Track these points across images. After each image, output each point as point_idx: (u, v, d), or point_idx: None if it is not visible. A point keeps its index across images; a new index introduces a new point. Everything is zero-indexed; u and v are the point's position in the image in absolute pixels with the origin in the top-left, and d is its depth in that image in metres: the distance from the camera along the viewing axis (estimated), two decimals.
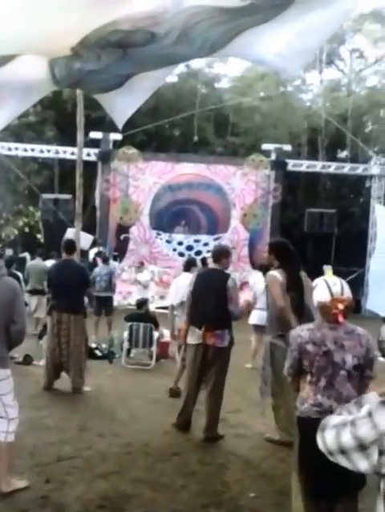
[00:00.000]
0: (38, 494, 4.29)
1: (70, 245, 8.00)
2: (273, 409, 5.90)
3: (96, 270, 12.57)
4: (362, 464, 1.44)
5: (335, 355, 3.39)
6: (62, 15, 3.41)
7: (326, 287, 3.43)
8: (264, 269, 11.89)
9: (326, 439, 1.56)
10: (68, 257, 7.84)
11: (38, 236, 20.62)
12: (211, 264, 6.28)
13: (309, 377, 3.46)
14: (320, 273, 3.65)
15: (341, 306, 3.37)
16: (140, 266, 13.21)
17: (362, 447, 1.42)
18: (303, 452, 3.42)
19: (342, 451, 1.49)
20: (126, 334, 9.65)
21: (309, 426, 3.38)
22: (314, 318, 5.41)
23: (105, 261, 12.94)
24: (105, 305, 11.84)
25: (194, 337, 5.94)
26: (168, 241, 19.73)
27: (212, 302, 5.83)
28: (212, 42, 3.64)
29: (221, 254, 6.13)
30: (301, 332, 3.53)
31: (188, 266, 8.29)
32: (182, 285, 7.48)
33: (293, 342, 3.53)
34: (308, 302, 5.26)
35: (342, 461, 1.51)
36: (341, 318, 3.39)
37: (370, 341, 3.52)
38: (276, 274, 5.60)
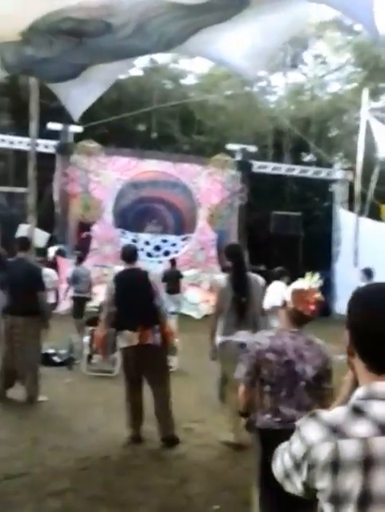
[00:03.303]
0: None
1: (25, 243, 7.84)
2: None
3: (77, 269, 12.46)
4: (298, 483, 1.46)
5: (296, 365, 3.42)
6: None
7: (306, 281, 3.50)
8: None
9: (277, 467, 1.56)
10: (22, 255, 7.65)
11: None
12: (124, 265, 6.45)
13: (268, 387, 3.47)
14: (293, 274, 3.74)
15: (316, 296, 3.43)
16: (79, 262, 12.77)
17: (297, 465, 1.44)
18: (265, 463, 3.42)
19: (287, 475, 1.50)
20: (86, 339, 9.53)
21: (271, 438, 3.39)
22: (256, 322, 5.65)
23: (80, 261, 12.84)
24: (85, 306, 11.89)
25: (124, 340, 5.98)
26: (134, 241, 19.60)
27: (142, 300, 6.01)
28: (169, 37, 3.69)
29: (135, 254, 6.47)
30: (260, 339, 3.54)
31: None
32: None
33: (252, 349, 3.53)
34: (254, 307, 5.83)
35: (289, 487, 1.52)
36: (313, 307, 3.43)
37: (329, 352, 3.58)
38: (220, 278, 6.20)
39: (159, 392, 6.03)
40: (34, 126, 11.14)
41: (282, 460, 1.52)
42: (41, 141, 16.87)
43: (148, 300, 6.05)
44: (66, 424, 6.50)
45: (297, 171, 21.80)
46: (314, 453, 1.38)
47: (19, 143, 18.59)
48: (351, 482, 1.32)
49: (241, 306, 5.78)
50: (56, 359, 9.82)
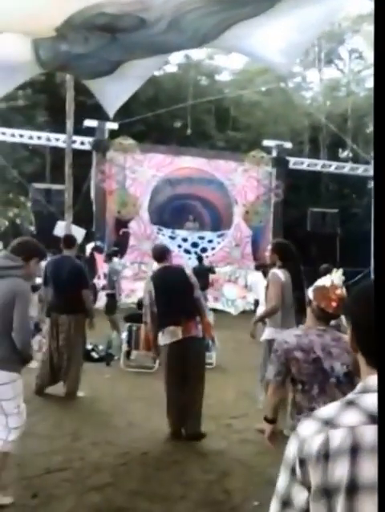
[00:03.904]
0: (24, 511, 4.21)
1: (70, 240, 7.90)
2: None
3: (110, 266, 12.62)
4: (298, 494, 1.41)
5: (324, 362, 3.41)
6: None
7: (329, 277, 3.50)
8: (262, 269, 12.05)
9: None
10: (67, 253, 7.69)
11: (31, 228, 20.38)
12: (155, 264, 6.65)
13: (299, 386, 3.47)
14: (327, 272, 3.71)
15: (338, 293, 3.41)
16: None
17: (293, 471, 1.41)
18: None
19: (285, 503, 1.43)
20: (124, 335, 9.60)
21: None
22: None
23: (110, 258, 13.03)
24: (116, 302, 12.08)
25: (169, 335, 6.02)
26: (172, 238, 19.65)
27: (182, 294, 6.09)
28: (203, 33, 3.68)
29: (165, 253, 6.56)
30: (287, 338, 3.53)
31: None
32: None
33: (279, 347, 3.52)
34: None
35: None
36: (335, 304, 3.41)
37: None
38: (278, 272, 6.03)
39: (194, 388, 6.05)
40: (70, 123, 11.30)
41: (276, 492, 1.46)
42: (77, 138, 17.05)
43: (188, 293, 6.15)
44: (105, 420, 6.56)
45: (333, 167, 21.79)
46: (306, 447, 1.38)
47: (56, 140, 18.72)
48: (340, 471, 1.32)
49: (304, 305, 5.78)
50: (94, 354, 9.90)
